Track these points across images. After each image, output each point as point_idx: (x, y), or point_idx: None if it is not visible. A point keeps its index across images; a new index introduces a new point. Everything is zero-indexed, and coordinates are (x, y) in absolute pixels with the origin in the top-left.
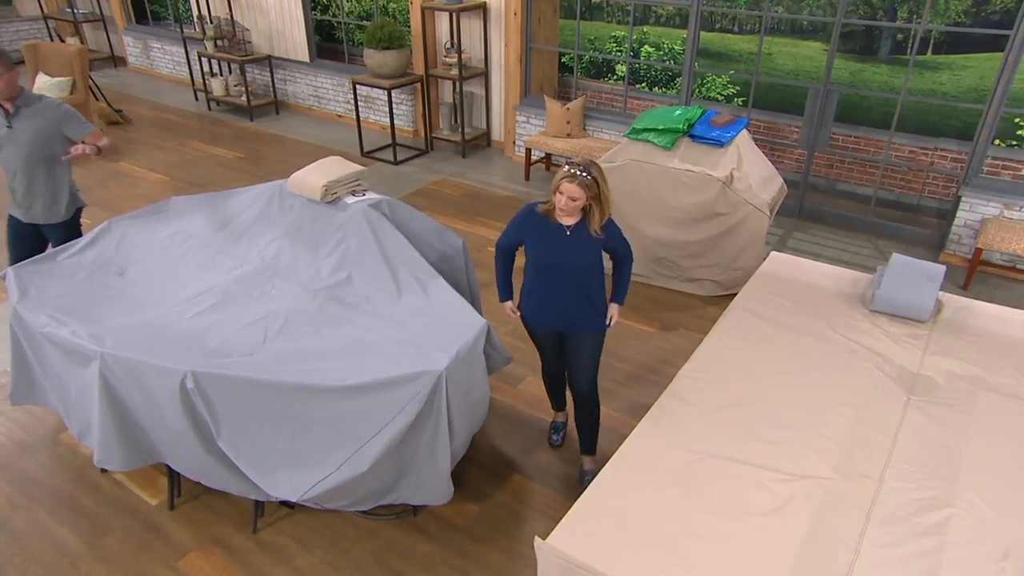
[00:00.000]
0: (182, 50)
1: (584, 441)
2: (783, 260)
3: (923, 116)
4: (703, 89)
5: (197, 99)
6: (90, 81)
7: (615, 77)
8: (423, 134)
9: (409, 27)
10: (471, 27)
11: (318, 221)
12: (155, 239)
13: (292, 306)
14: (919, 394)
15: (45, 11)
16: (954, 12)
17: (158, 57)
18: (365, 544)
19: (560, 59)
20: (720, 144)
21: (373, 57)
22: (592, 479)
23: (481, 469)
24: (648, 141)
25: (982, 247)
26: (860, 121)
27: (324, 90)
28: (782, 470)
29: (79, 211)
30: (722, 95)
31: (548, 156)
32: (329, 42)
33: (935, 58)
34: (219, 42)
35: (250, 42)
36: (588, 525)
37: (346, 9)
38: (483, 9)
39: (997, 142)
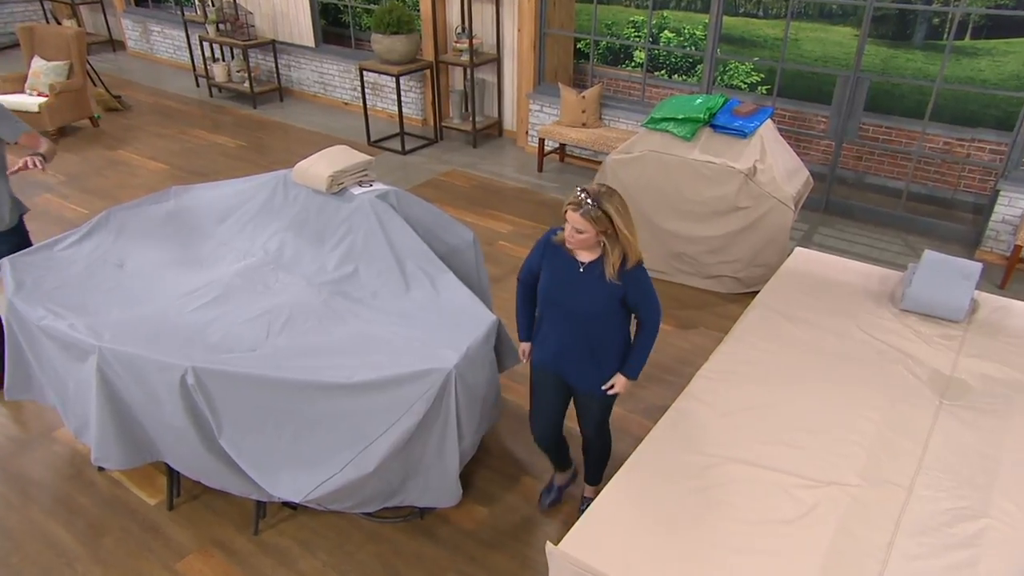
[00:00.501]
0: (183, 34)
1: (589, 471)
2: (808, 256)
3: (960, 105)
4: (725, 77)
5: (198, 85)
6: (88, 66)
7: (633, 64)
8: (432, 123)
9: (418, 11)
10: (483, 11)
11: (323, 212)
12: (155, 230)
13: (296, 300)
14: (952, 398)
15: None
16: None
17: (158, 41)
18: (370, 547)
19: (576, 45)
20: (743, 134)
21: (381, 42)
22: None
23: (491, 471)
24: (667, 131)
25: (1021, 244)
26: (892, 110)
27: (330, 76)
28: (806, 476)
29: (22, 217)
30: (745, 83)
31: (562, 146)
32: (335, 26)
33: (974, 43)
34: (221, 26)
35: (253, 26)
36: (602, 531)
37: None
38: None
39: None
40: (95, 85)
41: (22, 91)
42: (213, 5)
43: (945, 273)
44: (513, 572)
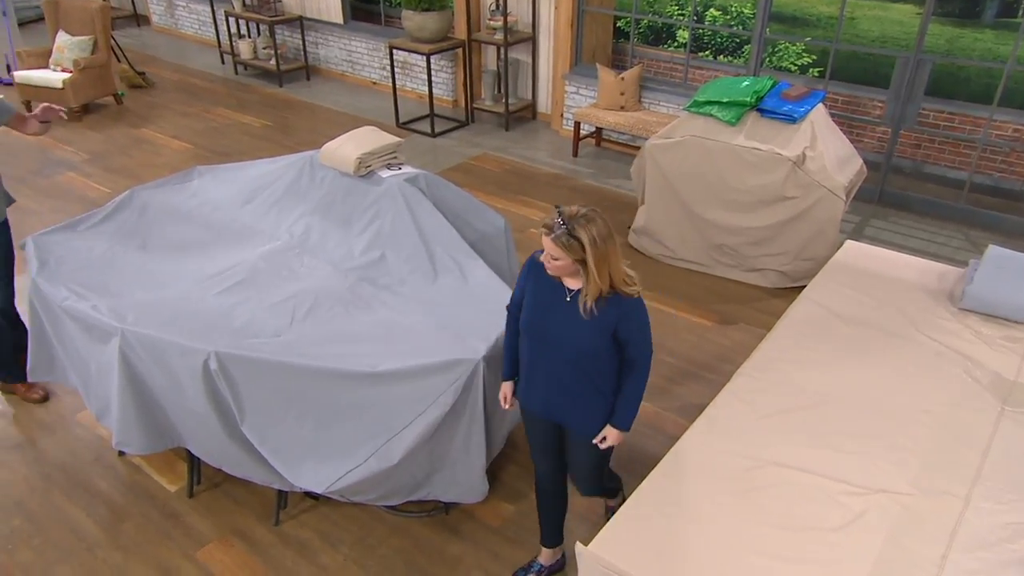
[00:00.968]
0: (208, 9)
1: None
2: (859, 250)
3: None
4: (775, 58)
5: (223, 62)
6: (112, 41)
7: (675, 44)
8: (463, 104)
9: None
10: None
11: (351, 196)
12: (179, 211)
13: (322, 286)
14: (1016, 404)
15: None
16: None
17: (183, 16)
18: (393, 542)
19: (615, 24)
20: (792, 120)
21: (412, 19)
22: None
23: (518, 467)
24: (711, 115)
25: None
26: (956, 95)
27: (358, 55)
28: (854, 482)
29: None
30: (796, 65)
31: (599, 131)
32: (365, 2)
33: None
34: (248, 1)
35: (280, 1)
36: (634, 532)
37: None
38: None
39: None
40: (119, 61)
41: (46, 66)
42: None
43: (1010, 270)
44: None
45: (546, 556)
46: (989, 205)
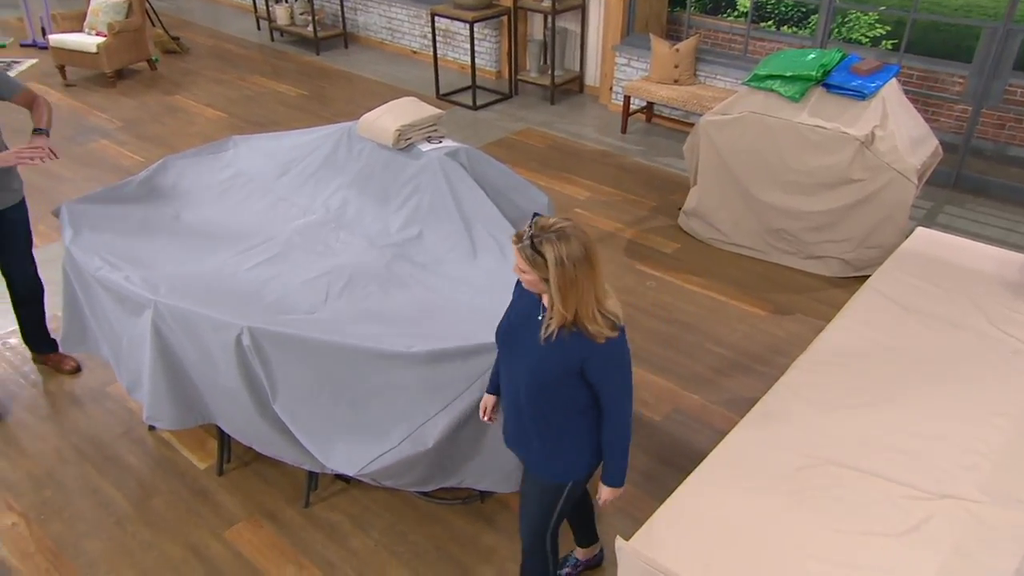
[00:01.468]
0: None
1: None
2: (932, 238)
3: None
4: (844, 29)
5: (259, 28)
6: (147, 4)
7: (735, 13)
8: (507, 76)
9: None
10: None
11: (389, 169)
12: (213, 181)
13: (357, 262)
14: None
15: None
16: None
17: None
18: (425, 529)
19: None
20: (862, 96)
21: None
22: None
23: None
24: (772, 90)
25: None
26: None
27: (399, 22)
28: (918, 486)
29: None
30: (867, 37)
31: (650, 105)
32: None
33: None
34: None
35: None
36: (678, 529)
37: None
38: None
39: None
40: (153, 25)
41: (80, 30)
42: None
43: None
44: None
45: (581, 552)
46: None
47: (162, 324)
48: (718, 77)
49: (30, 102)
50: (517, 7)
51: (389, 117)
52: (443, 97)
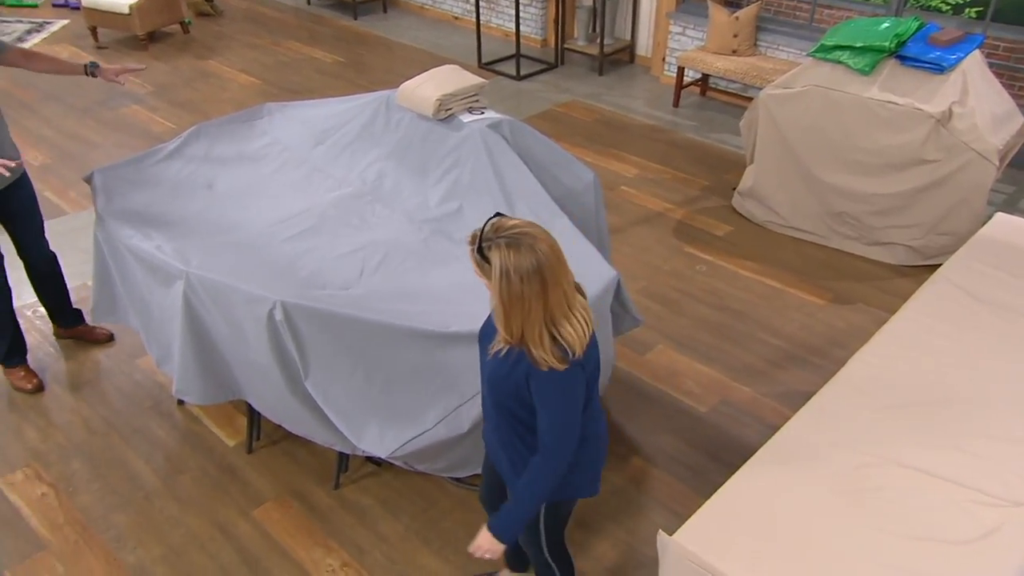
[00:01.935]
0: None
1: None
2: (1012, 225)
3: None
4: None
5: None
6: None
7: None
8: (553, 44)
9: None
10: None
11: (428, 141)
12: (247, 150)
13: (394, 238)
14: None
15: None
16: None
17: None
18: (457, 515)
19: None
20: (939, 69)
21: None
22: None
23: None
24: (840, 62)
25: None
26: None
27: None
28: (989, 491)
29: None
30: (949, 4)
31: (705, 78)
32: None
33: None
34: None
35: None
36: (726, 526)
37: None
38: None
39: None
40: None
41: None
42: None
43: None
44: (612, 560)
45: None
46: None
47: (193, 296)
48: (780, 48)
49: (27, 56)
50: None
51: (430, 86)
52: (485, 66)
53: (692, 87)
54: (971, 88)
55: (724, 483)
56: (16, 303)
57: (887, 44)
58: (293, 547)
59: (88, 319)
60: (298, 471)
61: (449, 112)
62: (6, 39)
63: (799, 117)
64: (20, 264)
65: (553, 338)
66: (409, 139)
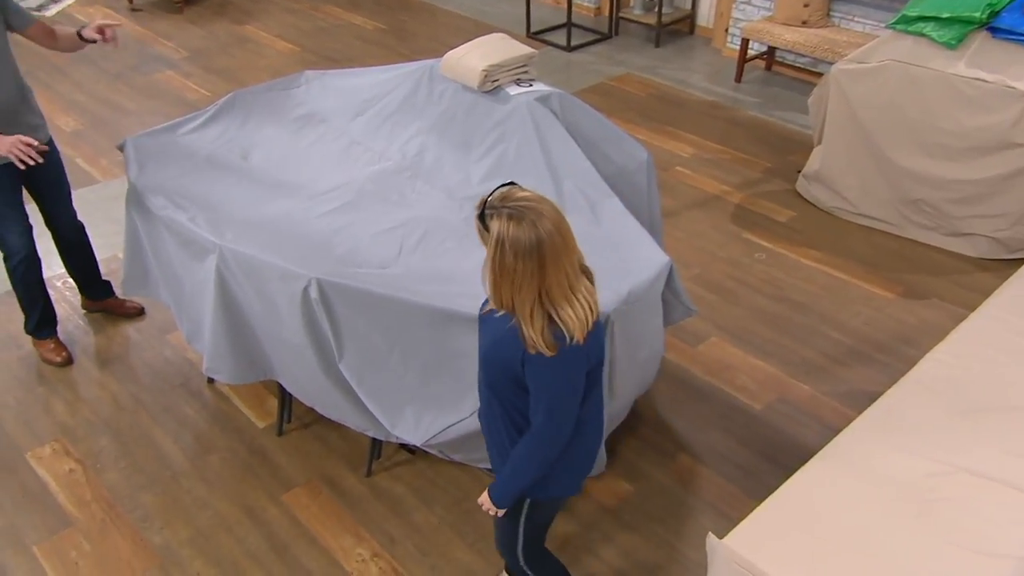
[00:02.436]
0: None
1: None
2: None
3: None
4: None
5: None
6: None
7: None
8: (607, 13)
9: None
10: None
11: (472, 114)
12: (284, 120)
13: (434, 215)
14: None
15: None
16: None
17: None
18: None
19: None
20: None
21: None
22: None
23: (641, 442)
24: (923, 35)
25: None
26: None
27: None
28: None
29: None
30: None
31: (771, 51)
32: None
33: None
34: None
35: None
36: (780, 531)
37: None
38: None
39: None
40: None
41: None
42: None
43: None
44: (655, 562)
45: None
46: None
47: (226, 271)
48: (856, 19)
49: (47, 34)
50: None
51: (475, 55)
52: (534, 35)
53: (756, 61)
54: None
55: (779, 486)
56: (46, 274)
57: (978, 15)
58: (322, 534)
59: (118, 292)
60: (329, 456)
61: (495, 84)
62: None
63: (874, 95)
64: (49, 234)
65: (550, 319)
66: (452, 112)
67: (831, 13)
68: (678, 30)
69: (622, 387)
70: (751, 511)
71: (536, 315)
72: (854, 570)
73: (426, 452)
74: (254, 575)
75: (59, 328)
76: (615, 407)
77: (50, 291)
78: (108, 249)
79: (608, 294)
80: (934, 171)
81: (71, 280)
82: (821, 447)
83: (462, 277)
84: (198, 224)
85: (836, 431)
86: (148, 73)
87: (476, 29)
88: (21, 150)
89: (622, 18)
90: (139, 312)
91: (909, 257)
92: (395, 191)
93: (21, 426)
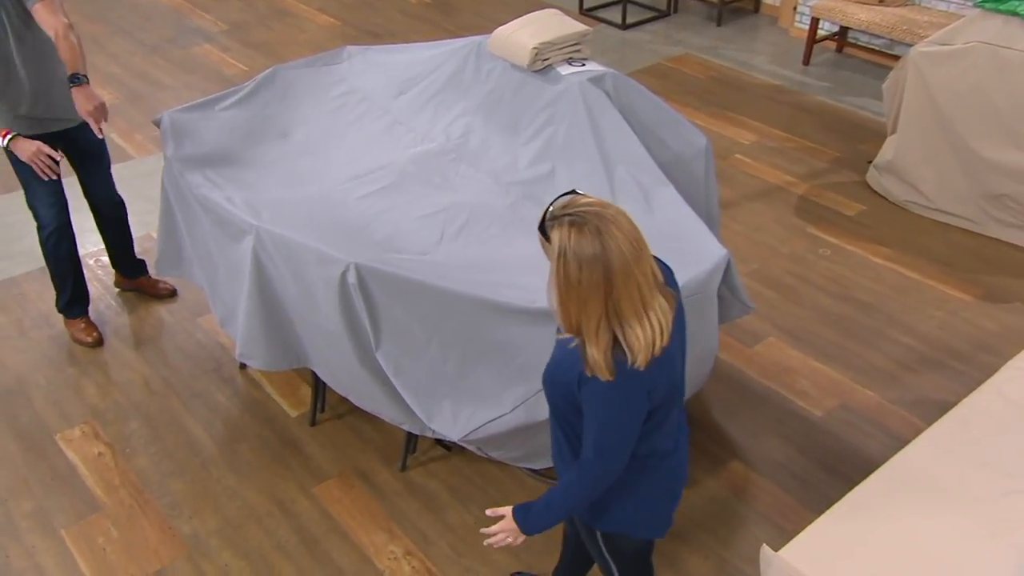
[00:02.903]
0: None
1: None
2: None
3: None
4: None
5: None
6: None
7: None
8: None
9: None
10: None
11: (521, 94)
12: (324, 97)
13: (478, 200)
14: None
15: None
16: None
17: None
18: None
19: None
20: None
21: None
22: None
23: (691, 447)
24: (1016, 14)
25: None
26: None
27: None
28: None
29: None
30: None
31: (843, 31)
32: None
33: None
34: None
35: None
36: (840, 547)
37: None
38: None
39: None
40: None
41: None
42: None
43: None
44: (704, 574)
45: None
46: None
47: (263, 253)
48: None
49: (49, 21)
50: None
51: (526, 32)
52: (587, 12)
53: (827, 42)
54: None
55: (839, 498)
56: (80, 251)
57: None
58: (354, 529)
59: (152, 271)
60: (363, 448)
61: (546, 63)
62: None
63: (957, 80)
64: (85, 211)
65: (615, 339)
66: (500, 92)
67: None
68: (741, 8)
69: None
70: (808, 524)
71: (602, 332)
72: None
73: (463, 448)
74: (283, 570)
75: (91, 308)
76: None
77: (83, 270)
78: (141, 228)
79: None
80: (1023, 164)
81: (104, 259)
82: (886, 459)
83: (506, 266)
84: (234, 204)
85: (903, 442)
86: (185, 46)
87: (525, 4)
88: (43, 160)
89: None
90: (171, 293)
91: (989, 257)
92: (438, 174)
93: (51, 407)
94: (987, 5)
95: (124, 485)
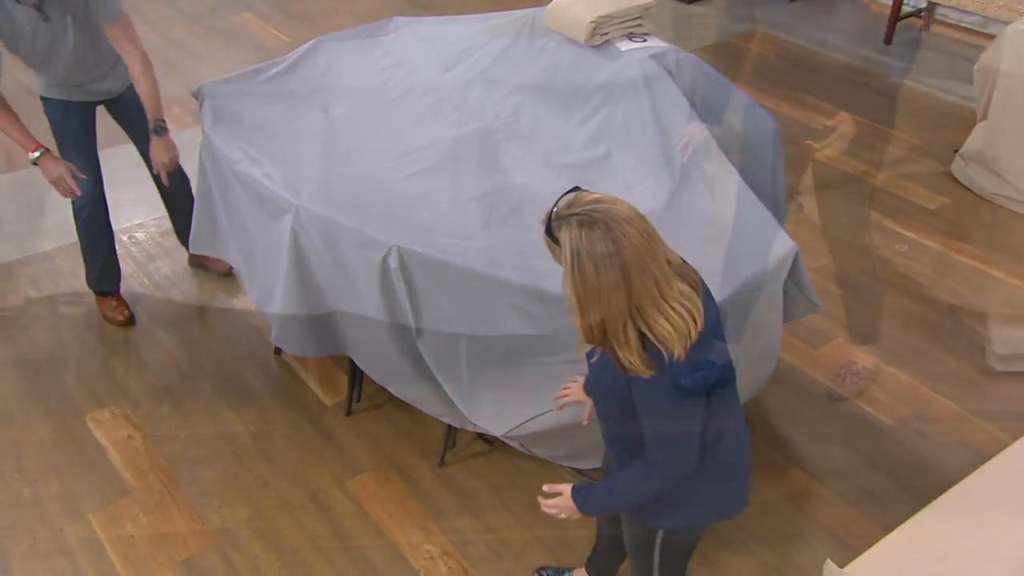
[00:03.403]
0: None
1: None
2: None
3: None
4: None
5: None
6: None
7: None
8: None
9: None
10: None
11: (577, 71)
12: (369, 71)
13: (528, 183)
14: None
15: None
16: None
17: None
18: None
19: None
20: None
21: None
22: None
23: None
24: None
25: None
26: None
27: None
28: None
29: None
30: None
31: (931, 7)
32: None
33: None
34: None
35: None
36: (912, 568)
37: None
38: None
39: None
40: None
41: None
42: None
43: None
44: None
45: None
46: None
47: (302, 233)
48: None
49: (126, 47)
50: None
51: (584, 5)
52: None
53: (911, 19)
54: None
55: (910, 515)
56: (114, 227)
57: None
58: (389, 526)
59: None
60: (400, 441)
61: (605, 37)
62: None
63: None
64: (120, 186)
65: (642, 335)
66: (555, 68)
67: None
68: None
69: None
70: (875, 541)
71: (630, 332)
72: None
73: (505, 444)
74: (315, 564)
75: (122, 286)
76: None
77: (116, 246)
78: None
79: (720, 281)
80: None
81: (137, 235)
82: (965, 474)
83: None
84: (273, 181)
85: (984, 457)
86: (225, 16)
87: None
88: (68, 183)
89: None
90: (228, 271)
91: None
92: (487, 155)
93: (81, 386)
94: None
95: (153, 470)
